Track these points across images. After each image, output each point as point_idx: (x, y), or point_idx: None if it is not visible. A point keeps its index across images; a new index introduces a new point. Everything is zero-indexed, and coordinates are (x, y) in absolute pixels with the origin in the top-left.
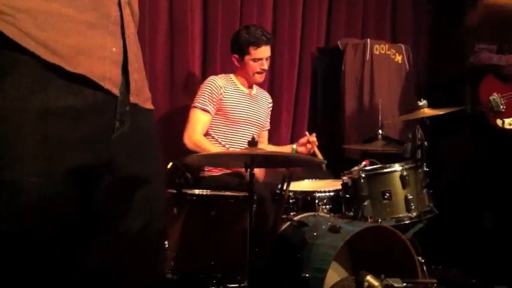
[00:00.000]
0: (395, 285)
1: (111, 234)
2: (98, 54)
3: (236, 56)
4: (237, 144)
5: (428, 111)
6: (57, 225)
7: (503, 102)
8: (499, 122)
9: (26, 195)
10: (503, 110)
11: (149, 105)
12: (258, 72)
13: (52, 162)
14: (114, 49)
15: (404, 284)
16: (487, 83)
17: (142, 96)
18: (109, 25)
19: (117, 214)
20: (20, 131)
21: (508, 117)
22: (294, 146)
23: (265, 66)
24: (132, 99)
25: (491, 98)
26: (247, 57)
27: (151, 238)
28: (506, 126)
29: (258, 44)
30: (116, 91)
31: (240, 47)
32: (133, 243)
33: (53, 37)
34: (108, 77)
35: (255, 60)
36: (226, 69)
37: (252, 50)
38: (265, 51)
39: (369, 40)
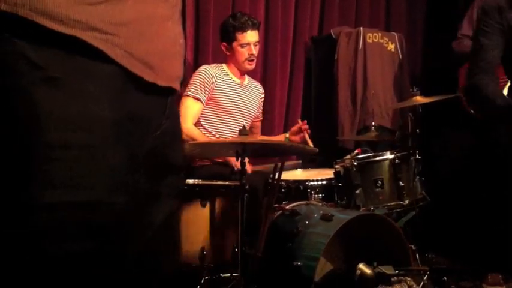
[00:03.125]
0: (388, 272)
1: (145, 220)
2: (172, 52)
3: (225, 44)
4: (228, 134)
5: (420, 99)
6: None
7: None
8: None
9: (105, 215)
10: None
11: (177, 86)
12: (248, 59)
13: (133, 177)
14: (181, 40)
15: (397, 272)
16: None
17: (178, 81)
18: (175, 13)
19: (151, 201)
20: (103, 142)
21: None
22: (287, 134)
23: (254, 51)
24: (175, 85)
25: None
26: (235, 44)
27: (173, 224)
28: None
29: (244, 29)
30: (178, 86)
31: (228, 34)
32: (159, 228)
33: (147, 48)
34: (178, 75)
35: (242, 45)
36: (218, 59)
37: (238, 35)
38: (252, 35)
39: (361, 28)
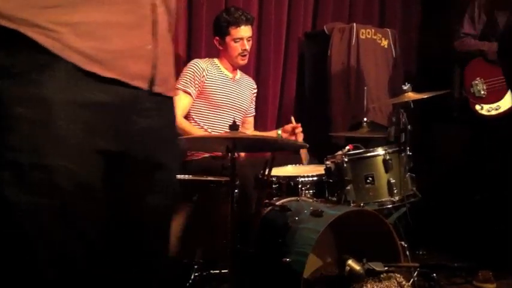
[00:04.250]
0: (377, 269)
1: (134, 208)
2: (135, 54)
3: (218, 38)
4: (219, 129)
5: (412, 95)
6: (87, 206)
7: (484, 88)
8: (478, 107)
9: (57, 177)
10: (483, 96)
11: (173, 93)
12: (241, 54)
13: (80, 147)
14: (149, 47)
15: (386, 268)
16: (472, 67)
17: (167, 85)
18: (146, 25)
19: (139, 192)
20: (52, 117)
21: (488, 103)
22: (279, 131)
23: (247, 46)
24: (156, 89)
25: (473, 82)
26: (228, 38)
27: (165, 214)
28: (484, 112)
29: (237, 24)
30: (145, 86)
31: (221, 28)
32: (150, 216)
33: (94, 45)
34: (141, 74)
35: (235, 40)
36: (211, 53)
37: (232, 30)
38: (245, 30)
39: (355, 24)
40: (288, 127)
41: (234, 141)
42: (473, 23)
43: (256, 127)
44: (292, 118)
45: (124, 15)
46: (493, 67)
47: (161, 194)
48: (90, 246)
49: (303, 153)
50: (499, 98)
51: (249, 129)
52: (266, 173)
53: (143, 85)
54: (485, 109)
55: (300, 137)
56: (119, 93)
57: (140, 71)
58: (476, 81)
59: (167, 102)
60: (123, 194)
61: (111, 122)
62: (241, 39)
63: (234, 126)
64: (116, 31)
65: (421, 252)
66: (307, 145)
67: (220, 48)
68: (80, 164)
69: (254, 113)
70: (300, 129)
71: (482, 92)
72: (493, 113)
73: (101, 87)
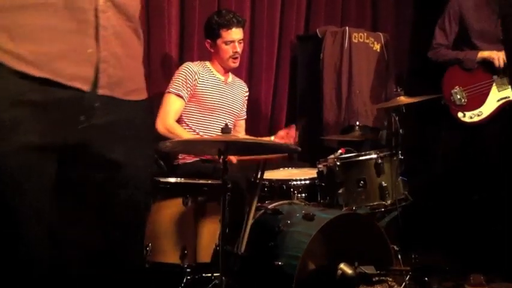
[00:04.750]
0: (369, 272)
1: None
2: (73, 57)
3: (209, 40)
4: (211, 132)
5: (404, 99)
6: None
7: (464, 95)
8: (460, 115)
9: None
10: (464, 103)
11: (135, 97)
12: (232, 57)
13: (7, 142)
14: (90, 50)
15: (378, 272)
16: (450, 76)
17: (121, 89)
18: (88, 29)
19: (97, 188)
20: None
21: (469, 110)
22: (272, 138)
23: (238, 49)
24: (102, 91)
25: (452, 91)
26: (219, 41)
27: (135, 210)
28: (467, 120)
29: (229, 26)
30: (85, 87)
31: (212, 31)
32: (118, 210)
33: (29, 48)
34: (80, 76)
35: (227, 42)
36: (204, 56)
37: (223, 32)
38: (236, 33)
39: (347, 28)
40: (282, 133)
41: (226, 144)
42: (445, 33)
43: (248, 130)
44: (292, 126)
45: (64, 20)
46: (470, 74)
47: (125, 190)
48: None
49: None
50: (480, 104)
51: (240, 133)
52: (258, 176)
53: (84, 86)
54: (467, 116)
55: (295, 139)
56: (56, 94)
57: (79, 72)
58: (456, 90)
59: (123, 104)
60: (81, 188)
61: (49, 120)
62: (233, 41)
63: (226, 129)
64: (54, 35)
65: (413, 256)
66: (299, 149)
67: (212, 51)
68: (8, 157)
69: (245, 117)
70: (293, 132)
71: (463, 100)
72: (476, 119)
73: (35, 87)
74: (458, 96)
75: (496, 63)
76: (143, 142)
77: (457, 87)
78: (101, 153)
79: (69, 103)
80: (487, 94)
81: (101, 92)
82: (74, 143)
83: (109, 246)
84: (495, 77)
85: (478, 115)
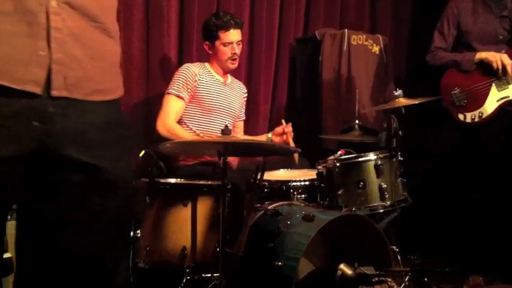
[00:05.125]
0: (369, 273)
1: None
2: (25, 60)
3: (207, 42)
4: (211, 133)
5: (403, 101)
6: None
7: (464, 97)
8: (460, 116)
9: None
10: (464, 105)
11: (99, 97)
12: (231, 58)
13: None
14: (41, 53)
15: (378, 272)
16: (448, 79)
17: (82, 89)
18: (39, 32)
19: (65, 194)
20: None
21: (470, 111)
22: (269, 135)
23: (237, 50)
24: (56, 93)
25: (452, 93)
26: (217, 42)
27: (113, 216)
28: (468, 121)
29: (227, 28)
30: (38, 90)
31: (210, 33)
32: (94, 216)
33: None
34: (33, 79)
35: (225, 44)
36: (203, 57)
37: (221, 34)
38: (234, 34)
39: (346, 30)
40: (279, 129)
41: (225, 146)
42: (444, 36)
43: (247, 132)
44: (283, 121)
45: (15, 24)
46: (468, 76)
47: (100, 194)
48: None
49: (295, 155)
50: (480, 104)
51: (239, 134)
52: (258, 177)
53: (36, 89)
54: (468, 117)
55: (291, 137)
56: (11, 100)
57: (32, 76)
58: (455, 92)
59: (87, 105)
60: (50, 196)
61: (4, 127)
62: (231, 43)
63: (226, 131)
64: (3, 39)
65: (412, 257)
66: (299, 150)
67: (210, 52)
68: None
69: (244, 118)
70: (290, 129)
71: (463, 102)
72: (477, 120)
73: None
74: (458, 98)
75: (495, 64)
76: (116, 143)
77: (456, 89)
78: (67, 156)
79: (25, 108)
80: (487, 94)
81: (55, 93)
82: (34, 150)
83: (82, 254)
84: (493, 77)
85: (479, 116)
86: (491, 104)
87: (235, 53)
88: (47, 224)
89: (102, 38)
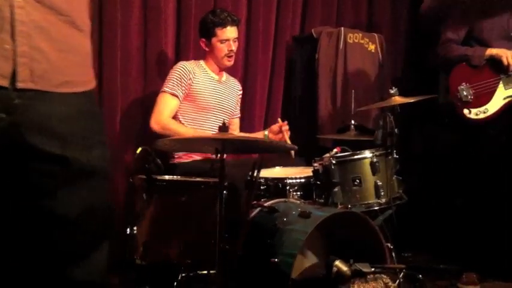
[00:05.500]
0: (364, 270)
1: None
2: None
3: (204, 39)
4: (206, 130)
5: (399, 99)
6: None
7: (471, 92)
8: (466, 111)
9: None
10: (470, 100)
11: (67, 89)
12: (227, 55)
13: None
14: (6, 46)
15: (373, 269)
16: (457, 73)
17: (49, 81)
18: (4, 26)
19: (35, 187)
20: None
21: (475, 107)
22: (266, 132)
23: (233, 47)
24: (22, 85)
25: (459, 87)
26: (214, 39)
27: (86, 209)
28: (473, 116)
29: (223, 25)
30: (4, 83)
31: (207, 30)
32: (65, 211)
33: None
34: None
35: (222, 41)
36: (200, 55)
37: (218, 31)
38: (231, 31)
39: (342, 29)
40: (275, 127)
41: (223, 142)
42: (456, 29)
43: (243, 129)
44: (279, 119)
45: None
46: (478, 71)
47: (73, 185)
48: None
49: (292, 152)
50: (486, 101)
51: (234, 131)
52: (255, 174)
53: (3, 82)
54: (473, 113)
55: (287, 135)
56: None
57: (2, 70)
58: (462, 86)
59: (55, 97)
60: (21, 186)
61: None
62: (228, 40)
63: (223, 128)
64: None
65: (406, 254)
66: (296, 147)
67: (207, 49)
68: None
69: (239, 115)
70: (287, 127)
71: (469, 97)
72: (481, 116)
73: None
74: (465, 93)
75: (505, 61)
76: (87, 133)
77: (464, 83)
78: (34, 147)
79: None
80: (494, 92)
81: (21, 85)
82: (1, 141)
83: (55, 243)
84: (502, 75)
85: (484, 112)
86: (497, 101)
87: (231, 50)
88: (20, 215)
89: (70, 32)
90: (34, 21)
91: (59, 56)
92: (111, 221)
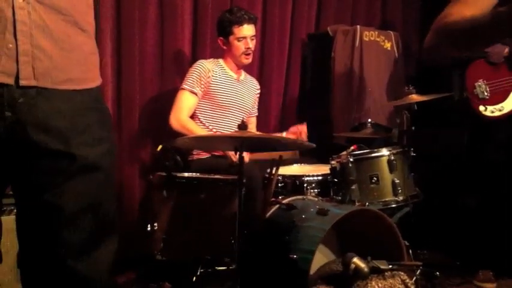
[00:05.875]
0: (382, 267)
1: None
2: None
3: (221, 38)
4: (224, 129)
5: (416, 97)
6: None
7: (488, 89)
8: (481, 108)
9: None
10: (487, 97)
11: (70, 86)
12: (245, 53)
13: None
14: (10, 45)
15: (390, 266)
16: (475, 69)
17: (52, 79)
18: (7, 26)
19: (38, 181)
20: None
21: (491, 104)
22: (284, 134)
23: (251, 45)
24: (25, 82)
25: (476, 84)
26: (231, 38)
27: (85, 203)
28: (488, 114)
29: (240, 23)
30: (9, 81)
31: (224, 28)
32: (69, 205)
33: None
34: (4, 71)
35: (239, 39)
36: (216, 53)
37: (235, 29)
38: (248, 29)
39: (358, 27)
40: (294, 129)
41: (242, 141)
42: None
43: (259, 127)
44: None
45: None
46: (496, 68)
47: (77, 180)
48: None
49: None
50: (502, 99)
51: (251, 130)
52: (273, 172)
53: (8, 80)
54: (489, 110)
55: (305, 136)
56: None
57: (3, 68)
58: (479, 83)
59: (58, 94)
60: (27, 186)
61: None
62: (245, 38)
63: (242, 126)
64: None
65: (422, 252)
66: (314, 145)
67: (225, 48)
68: None
69: (257, 114)
70: (305, 128)
71: (486, 94)
72: (497, 114)
73: None
74: (482, 90)
75: None
76: (92, 129)
77: (481, 80)
78: (38, 144)
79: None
80: (510, 90)
81: (24, 83)
82: (8, 139)
83: (61, 237)
84: None
85: (500, 110)
86: None
87: (249, 48)
88: (25, 210)
89: (72, 31)
90: (35, 21)
91: (61, 54)
92: (116, 217)
